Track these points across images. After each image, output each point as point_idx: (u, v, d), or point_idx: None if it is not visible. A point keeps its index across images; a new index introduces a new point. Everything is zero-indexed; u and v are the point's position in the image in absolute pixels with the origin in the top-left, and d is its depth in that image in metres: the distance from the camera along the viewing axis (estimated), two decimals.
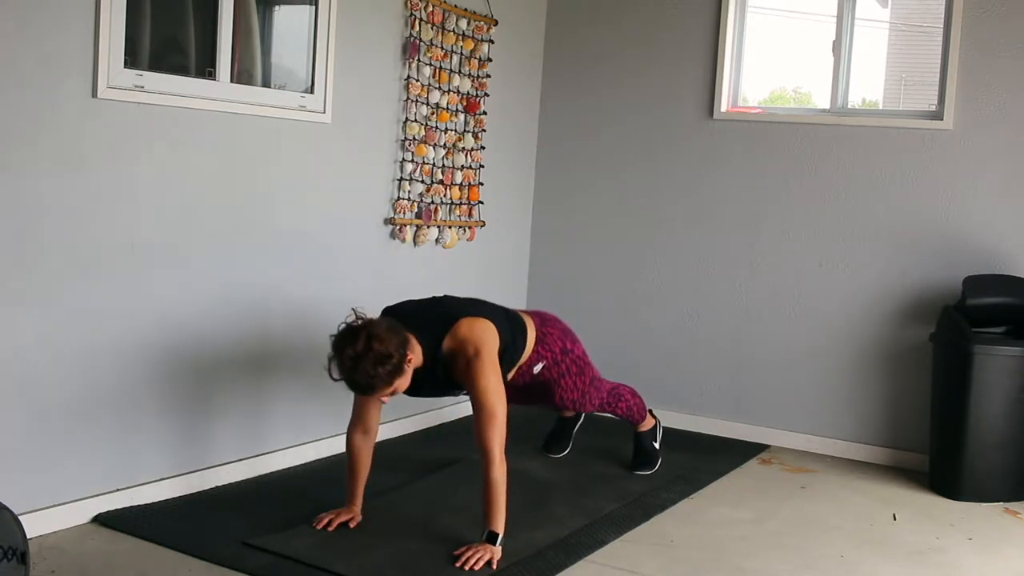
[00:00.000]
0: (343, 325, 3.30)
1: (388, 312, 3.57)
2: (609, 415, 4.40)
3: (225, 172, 3.87)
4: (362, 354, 3.19)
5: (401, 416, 4.79)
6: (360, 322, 3.29)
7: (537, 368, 3.91)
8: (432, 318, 3.50)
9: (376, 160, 4.58)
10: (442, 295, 3.85)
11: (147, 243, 3.60)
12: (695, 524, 3.88)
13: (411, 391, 3.47)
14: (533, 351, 3.87)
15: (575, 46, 5.58)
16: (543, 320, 4.00)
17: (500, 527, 3.35)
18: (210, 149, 3.80)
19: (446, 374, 3.47)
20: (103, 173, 3.44)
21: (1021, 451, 4.34)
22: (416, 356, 3.37)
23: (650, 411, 4.54)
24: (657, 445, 4.52)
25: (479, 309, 3.61)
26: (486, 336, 3.47)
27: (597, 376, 4.19)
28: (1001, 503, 4.34)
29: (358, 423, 3.60)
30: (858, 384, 4.94)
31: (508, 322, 3.71)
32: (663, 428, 4.62)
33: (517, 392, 3.89)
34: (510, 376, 3.78)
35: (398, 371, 3.26)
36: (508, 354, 3.64)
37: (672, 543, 3.66)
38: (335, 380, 3.29)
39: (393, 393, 3.33)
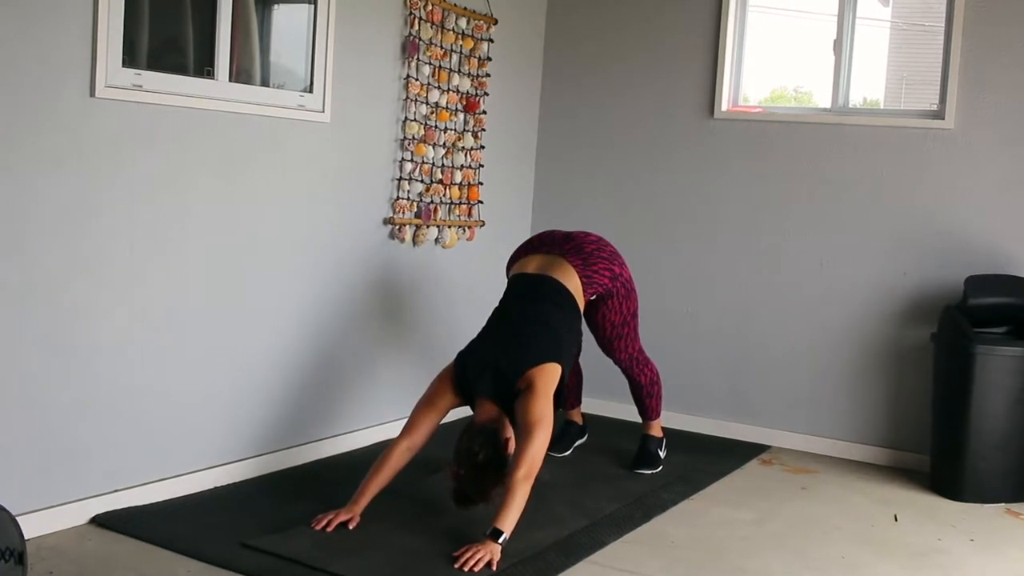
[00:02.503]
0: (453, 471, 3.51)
1: (463, 364, 3.71)
2: (631, 379, 4.45)
3: (224, 171, 3.86)
4: (486, 499, 3.46)
5: (401, 416, 4.76)
6: (463, 472, 3.46)
7: (592, 298, 4.10)
8: (503, 378, 3.62)
9: (375, 159, 4.57)
10: (511, 317, 3.87)
11: (145, 243, 3.59)
12: (696, 525, 3.87)
13: None
14: (584, 297, 4.00)
15: (575, 45, 5.57)
16: (586, 261, 4.05)
17: (507, 527, 3.34)
18: (209, 148, 3.79)
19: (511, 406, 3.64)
20: (101, 172, 3.42)
21: (1022, 451, 4.33)
22: (504, 426, 3.60)
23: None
24: (662, 453, 4.54)
25: (548, 350, 3.68)
26: (548, 379, 3.61)
27: (637, 318, 4.34)
28: (1003, 504, 4.33)
29: (408, 435, 3.70)
30: (859, 384, 4.93)
31: (571, 340, 3.86)
32: (666, 435, 4.64)
33: None
34: None
35: (505, 461, 3.49)
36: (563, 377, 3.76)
37: (673, 544, 3.65)
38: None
39: None
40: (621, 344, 4.31)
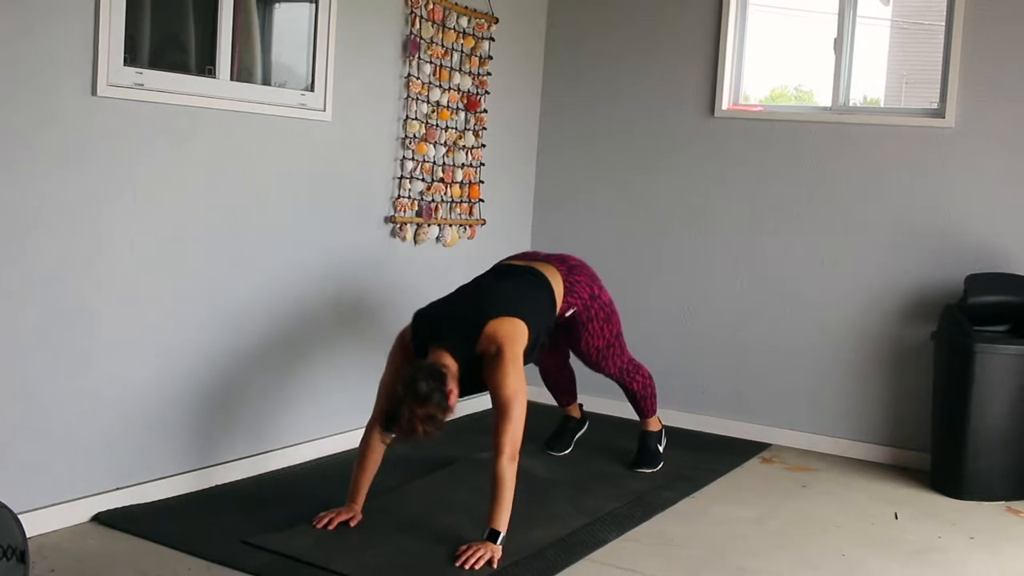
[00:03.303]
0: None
1: (419, 319, 3.60)
2: (624, 388, 4.42)
3: (225, 170, 3.86)
4: (412, 431, 3.26)
5: None
6: (399, 398, 3.28)
7: (568, 313, 4.00)
8: (462, 325, 3.49)
9: (376, 158, 4.57)
10: (475, 282, 3.85)
11: (146, 241, 3.59)
12: (696, 523, 3.87)
13: None
14: (563, 302, 3.94)
15: (576, 43, 5.57)
16: (570, 268, 4.03)
17: (502, 525, 3.34)
18: (210, 147, 3.79)
19: (478, 373, 3.49)
20: (103, 171, 3.43)
21: (1023, 450, 4.33)
22: (455, 382, 3.40)
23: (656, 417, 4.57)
24: (661, 449, 4.53)
25: (511, 303, 3.59)
26: (513, 336, 3.48)
27: (622, 334, 4.26)
28: (1003, 502, 4.33)
29: (380, 419, 3.54)
30: (859, 383, 4.93)
31: (538, 309, 3.74)
32: (664, 427, 4.62)
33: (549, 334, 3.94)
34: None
35: (446, 415, 3.31)
36: (533, 347, 3.65)
37: (673, 542, 3.66)
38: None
39: None
40: (609, 363, 4.26)
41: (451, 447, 4.57)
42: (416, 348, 3.54)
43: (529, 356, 3.61)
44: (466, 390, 3.56)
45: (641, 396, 4.42)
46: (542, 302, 3.81)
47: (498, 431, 3.36)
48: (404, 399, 3.24)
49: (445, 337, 3.47)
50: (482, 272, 4.03)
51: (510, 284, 3.77)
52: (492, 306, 3.54)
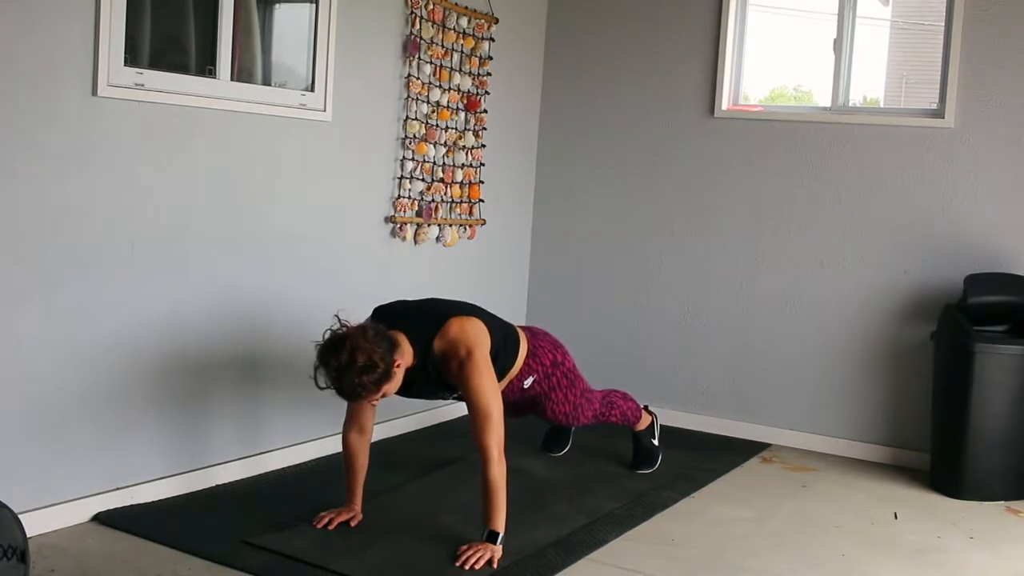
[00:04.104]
0: (328, 333, 3.28)
1: (379, 312, 3.57)
2: (607, 424, 4.32)
3: (225, 170, 3.86)
4: (346, 365, 3.17)
5: (400, 415, 4.78)
6: (344, 330, 3.26)
7: (528, 382, 3.84)
8: (422, 318, 3.48)
9: (376, 158, 4.58)
10: (433, 297, 3.84)
11: (147, 241, 3.60)
12: (696, 523, 3.87)
13: (402, 391, 3.46)
14: (524, 364, 3.81)
15: (576, 43, 5.57)
16: (533, 334, 3.96)
17: (500, 526, 3.34)
18: (210, 147, 3.79)
19: (438, 375, 3.46)
20: (103, 171, 3.43)
21: (1022, 450, 4.33)
22: (406, 358, 3.35)
23: (645, 407, 4.52)
24: (656, 442, 4.51)
25: (470, 310, 3.59)
26: (478, 336, 3.45)
27: (588, 388, 4.12)
28: (1002, 502, 4.33)
29: (353, 423, 3.59)
30: (859, 383, 4.93)
31: (499, 325, 3.69)
32: (661, 425, 4.61)
33: (508, 407, 3.73)
34: (500, 388, 3.66)
35: (386, 378, 3.24)
36: (500, 358, 3.60)
37: (673, 542, 3.66)
38: (322, 389, 3.28)
39: (383, 396, 3.33)
40: (581, 419, 4.13)
41: (451, 447, 4.58)
42: None
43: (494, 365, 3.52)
44: (426, 391, 3.56)
45: (622, 422, 4.35)
46: (503, 324, 3.74)
47: (480, 435, 3.35)
48: (345, 343, 3.16)
49: (403, 322, 3.41)
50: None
51: (471, 304, 3.72)
52: (452, 308, 3.55)
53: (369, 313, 4.43)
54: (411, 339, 3.39)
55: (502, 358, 3.64)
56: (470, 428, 3.40)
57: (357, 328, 3.27)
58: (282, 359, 4.19)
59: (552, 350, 3.94)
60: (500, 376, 3.62)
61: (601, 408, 4.22)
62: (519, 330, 3.89)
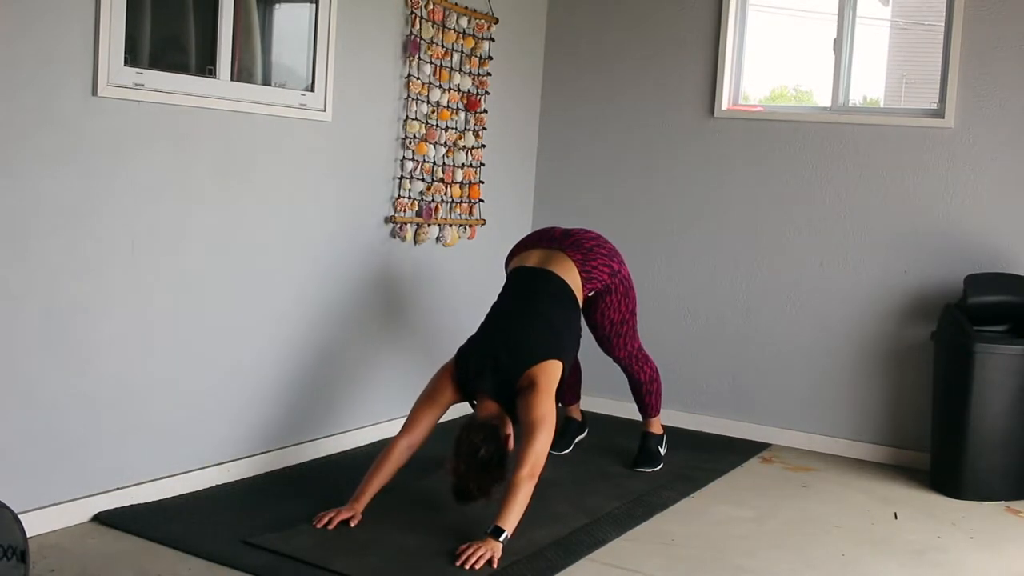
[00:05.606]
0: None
1: (462, 357, 3.73)
2: (631, 376, 4.46)
3: (225, 170, 3.86)
4: (487, 496, 3.46)
5: (402, 415, 4.77)
6: (463, 470, 3.44)
7: (591, 294, 4.10)
8: (503, 375, 3.62)
9: (376, 158, 4.57)
10: (508, 316, 3.88)
11: (147, 241, 3.60)
12: (696, 523, 3.88)
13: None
14: (583, 292, 4.00)
15: (576, 44, 5.57)
16: (585, 255, 4.05)
17: (508, 525, 3.35)
18: (210, 147, 3.79)
19: (512, 407, 3.65)
20: (103, 171, 3.43)
21: (1022, 450, 4.33)
22: (506, 424, 3.62)
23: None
24: (662, 451, 4.54)
25: (548, 346, 3.69)
26: (549, 376, 3.62)
27: (636, 317, 4.34)
28: (1002, 502, 4.33)
29: (408, 433, 3.70)
30: (859, 383, 4.93)
31: (571, 333, 3.88)
32: (666, 432, 4.65)
33: None
34: None
35: (505, 462, 3.49)
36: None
37: (673, 542, 3.66)
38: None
39: None
40: (620, 342, 4.32)
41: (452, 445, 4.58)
42: (460, 385, 3.71)
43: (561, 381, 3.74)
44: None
45: (647, 390, 4.44)
46: (573, 325, 3.93)
47: (523, 449, 3.46)
48: (469, 474, 3.42)
49: (487, 387, 3.64)
50: (507, 281, 4.08)
51: (542, 321, 3.81)
52: (531, 352, 3.66)
53: (369, 308, 4.44)
54: (498, 400, 3.65)
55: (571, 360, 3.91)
56: (518, 447, 3.51)
57: (473, 468, 3.44)
58: (282, 359, 4.19)
59: (608, 261, 4.12)
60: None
61: (639, 354, 4.43)
62: (572, 265, 3.99)
